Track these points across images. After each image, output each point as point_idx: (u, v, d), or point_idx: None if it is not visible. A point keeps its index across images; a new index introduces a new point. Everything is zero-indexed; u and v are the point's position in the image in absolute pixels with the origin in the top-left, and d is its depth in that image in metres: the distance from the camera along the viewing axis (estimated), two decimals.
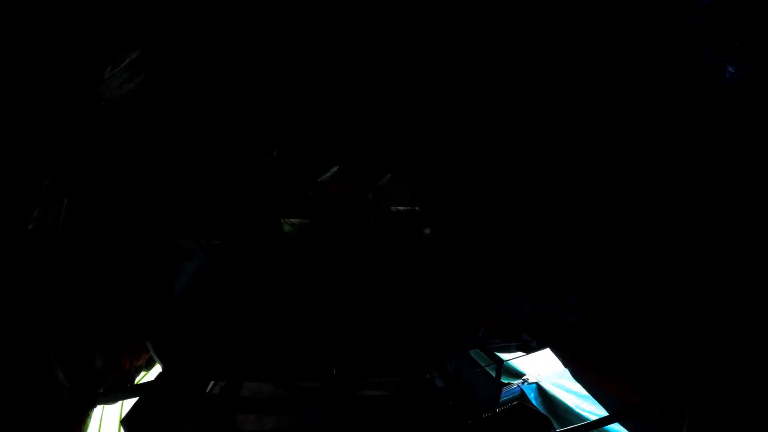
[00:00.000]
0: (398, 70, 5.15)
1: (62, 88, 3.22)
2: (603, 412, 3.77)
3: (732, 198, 3.49)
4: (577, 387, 4.20)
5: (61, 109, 3.28)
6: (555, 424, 4.17)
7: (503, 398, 4.55)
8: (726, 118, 3.44)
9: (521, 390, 4.68)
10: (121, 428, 3.56)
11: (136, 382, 4.90)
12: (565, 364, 4.20)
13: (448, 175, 6.88)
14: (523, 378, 4.75)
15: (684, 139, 3.74)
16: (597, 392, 3.80)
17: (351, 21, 4.49)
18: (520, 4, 3.93)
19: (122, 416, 3.62)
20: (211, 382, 4.90)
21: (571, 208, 4.81)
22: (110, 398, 4.11)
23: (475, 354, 4.83)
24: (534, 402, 4.53)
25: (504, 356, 4.75)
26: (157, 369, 4.99)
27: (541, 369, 4.71)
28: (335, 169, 9.89)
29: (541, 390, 4.55)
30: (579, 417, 4.02)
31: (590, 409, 3.99)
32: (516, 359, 4.78)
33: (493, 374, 4.12)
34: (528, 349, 4.57)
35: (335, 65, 5.36)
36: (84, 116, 3.55)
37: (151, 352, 4.72)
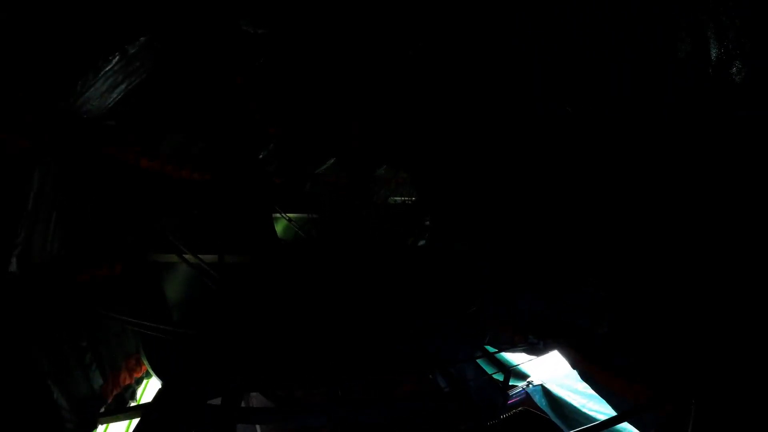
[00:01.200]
0: (397, 66, 5.07)
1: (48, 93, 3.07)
2: (610, 412, 3.78)
3: (732, 198, 3.50)
4: (583, 387, 4.21)
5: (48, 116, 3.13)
6: (562, 426, 4.19)
7: (508, 401, 4.55)
8: (726, 118, 3.43)
9: (526, 392, 4.69)
10: None
11: (137, 395, 4.83)
12: (573, 365, 4.21)
13: (447, 176, 6.83)
14: (528, 380, 4.76)
15: (684, 139, 3.74)
16: (606, 392, 3.81)
17: (348, 15, 4.37)
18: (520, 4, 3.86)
19: None
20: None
21: (571, 208, 4.81)
22: (111, 418, 4.03)
23: (481, 360, 4.82)
24: (540, 404, 4.55)
25: (512, 359, 4.75)
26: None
27: (546, 370, 4.72)
28: (332, 161, 9.76)
29: (546, 391, 4.55)
30: (586, 417, 4.04)
31: (597, 408, 4.01)
32: (520, 361, 4.79)
33: (500, 379, 4.11)
34: (535, 351, 4.56)
35: (332, 58, 5.24)
36: (70, 123, 3.40)
37: (148, 368, 4.63)
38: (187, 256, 4.34)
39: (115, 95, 3.70)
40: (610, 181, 4.39)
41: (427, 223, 7.94)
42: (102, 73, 3.28)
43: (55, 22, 2.69)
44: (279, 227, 8.83)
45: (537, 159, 4.99)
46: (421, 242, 7.92)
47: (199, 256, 4.11)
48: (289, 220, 8.47)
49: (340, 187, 9.50)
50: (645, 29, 3.58)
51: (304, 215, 8.73)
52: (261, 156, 7.65)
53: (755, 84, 3.21)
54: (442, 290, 5.53)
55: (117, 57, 3.31)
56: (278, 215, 8.54)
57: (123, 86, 3.73)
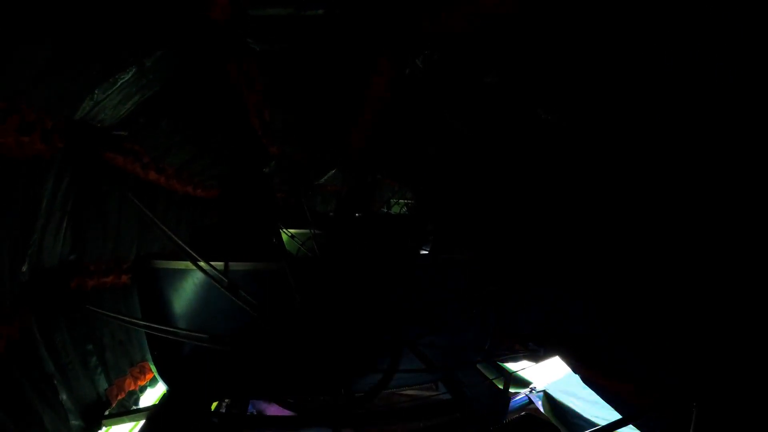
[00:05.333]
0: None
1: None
2: (614, 416, 3.75)
3: (732, 198, 3.51)
4: (586, 393, 4.19)
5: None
6: (565, 431, 4.15)
7: (511, 408, 4.52)
8: (726, 118, 3.43)
9: (529, 399, 4.67)
10: None
11: (140, 403, 4.84)
12: (575, 370, 4.20)
13: (444, 184, 6.92)
14: (531, 387, 4.74)
15: (683, 139, 3.74)
16: (610, 396, 3.78)
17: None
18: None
19: None
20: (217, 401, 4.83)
21: (571, 214, 4.85)
22: (115, 421, 4.05)
23: (482, 366, 4.80)
24: (543, 410, 4.52)
25: (512, 367, 4.72)
26: (161, 387, 4.92)
27: (548, 377, 4.70)
28: (332, 171, 9.96)
29: (549, 398, 4.53)
30: (590, 423, 4.01)
31: (600, 414, 3.99)
32: (521, 368, 4.77)
33: (500, 386, 4.10)
34: (536, 358, 4.55)
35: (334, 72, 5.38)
36: (86, 130, 3.53)
37: (155, 373, 4.66)
38: (200, 263, 4.44)
39: (128, 106, 3.86)
40: (609, 187, 4.44)
41: (429, 231, 8.00)
42: (119, 83, 3.45)
43: (80, 29, 2.82)
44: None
45: (536, 165, 5.07)
46: (423, 252, 7.97)
47: (211, 263, 4.20)
48: (292, 236, 8.50)
49: (342, 196, 9.61)
50: (647, 28, 3.68)
51: (307, 231, 8.73)
52: (266, 170, 7.84)
53: (755, 84, 3.26)
54: (444, 298, 5.54)
55: (134, 69, 3.47)
56: (282, 230, 8.60)
57: (136, 98, 3.89)
